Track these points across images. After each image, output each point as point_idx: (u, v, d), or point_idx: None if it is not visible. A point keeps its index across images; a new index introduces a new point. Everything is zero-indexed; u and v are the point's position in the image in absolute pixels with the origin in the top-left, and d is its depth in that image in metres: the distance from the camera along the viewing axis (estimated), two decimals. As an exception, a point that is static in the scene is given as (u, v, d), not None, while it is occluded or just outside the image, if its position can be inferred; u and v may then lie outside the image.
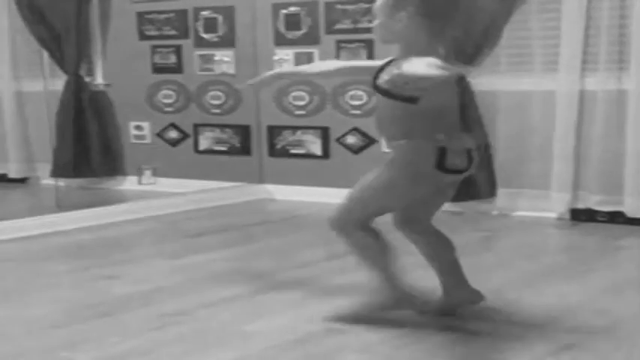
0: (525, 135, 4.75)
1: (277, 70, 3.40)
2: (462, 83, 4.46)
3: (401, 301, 2.89)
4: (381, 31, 2.79)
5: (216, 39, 5.68)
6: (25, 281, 3.63)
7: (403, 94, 2.65)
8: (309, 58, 5.29)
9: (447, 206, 4.72)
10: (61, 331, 2.90)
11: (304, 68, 3.85)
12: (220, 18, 5.65)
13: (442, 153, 2.70)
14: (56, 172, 5.88)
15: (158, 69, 5.89)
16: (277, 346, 2.72)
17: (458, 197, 4.72)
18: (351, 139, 5.30)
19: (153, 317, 3.02)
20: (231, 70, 5.62)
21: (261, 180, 5.63)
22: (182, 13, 5.76)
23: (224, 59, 5.65)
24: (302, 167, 5.47)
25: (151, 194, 5.52)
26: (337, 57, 5.20)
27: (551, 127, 4.63)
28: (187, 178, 5.68)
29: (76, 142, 5.92)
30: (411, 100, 2.65)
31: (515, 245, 4.21)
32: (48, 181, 5.96)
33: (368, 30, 4.73)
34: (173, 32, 5.80)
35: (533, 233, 4.46)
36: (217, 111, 5.76)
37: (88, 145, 5.96)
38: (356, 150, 5.27)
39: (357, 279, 3.11)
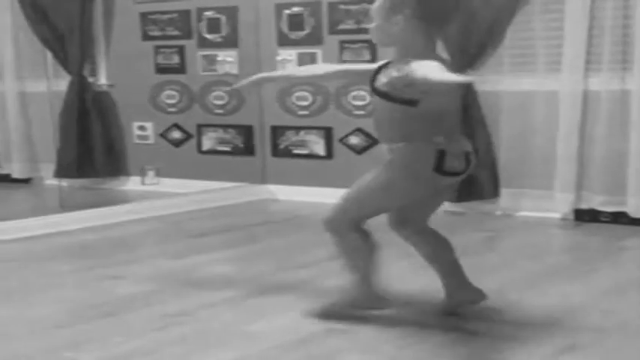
0: (528, 135, 4.74)
1: (264, 73, 3.37)
2: (465, 87, 4.45)
3: (371, 301, 2.91)
4: (377, 34, 2.79)
5: (219, 39, 5.68)
6: (28, 281, 3.63)
7: (403, 97, 2.65)
8: (312, 59, 5.29)
9: (451, 206, 4.78)
10: (65, 331, 2.90)
11: (293, 71, 3.82)
12: (223, 18, 5.65)
13: (441, 156, 2.70)
14: (60, 173, 5.88)
15: (161, 69, 5.89)
16: (279, 346, 2.72)
17: (461, 197, 4.77)
18: (354, 140, 5.29)
19: (156, 317, 3.03)
20: (235, 71, 5.62)
21: (264, 180, 5.63)
22: (185, 14, 5.76)
23: (227, 59, 5.65)
24: (305, 167, 5.47)
25: (154, 194, 5.52)
26: (340, 57, 5.20)
27: (554, 127, 4.62)
28: (190, 178, 5.69)
29: (80, 143, 5.93)
30: (411, 102, 2.65)
31: (519, 245, 4.20)
32: (51, 182, 5.97)
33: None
34: (176, 33, 5.80)
35: (537, 233, 4.45)
36: (220, 111, 5.76)
37: (91, 146, 5.97)
38: (359, 150, 5.27)
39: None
